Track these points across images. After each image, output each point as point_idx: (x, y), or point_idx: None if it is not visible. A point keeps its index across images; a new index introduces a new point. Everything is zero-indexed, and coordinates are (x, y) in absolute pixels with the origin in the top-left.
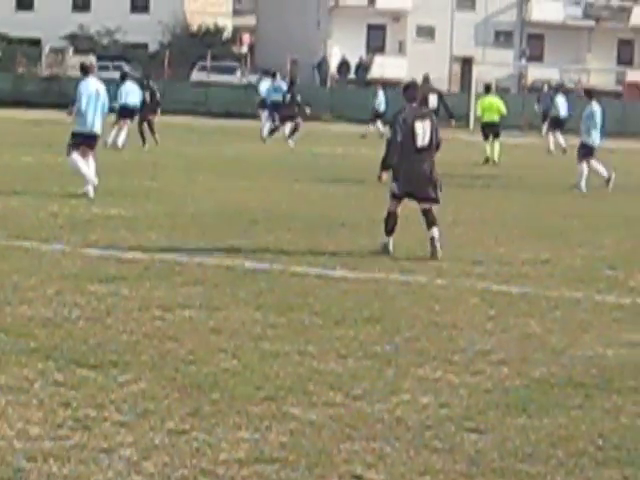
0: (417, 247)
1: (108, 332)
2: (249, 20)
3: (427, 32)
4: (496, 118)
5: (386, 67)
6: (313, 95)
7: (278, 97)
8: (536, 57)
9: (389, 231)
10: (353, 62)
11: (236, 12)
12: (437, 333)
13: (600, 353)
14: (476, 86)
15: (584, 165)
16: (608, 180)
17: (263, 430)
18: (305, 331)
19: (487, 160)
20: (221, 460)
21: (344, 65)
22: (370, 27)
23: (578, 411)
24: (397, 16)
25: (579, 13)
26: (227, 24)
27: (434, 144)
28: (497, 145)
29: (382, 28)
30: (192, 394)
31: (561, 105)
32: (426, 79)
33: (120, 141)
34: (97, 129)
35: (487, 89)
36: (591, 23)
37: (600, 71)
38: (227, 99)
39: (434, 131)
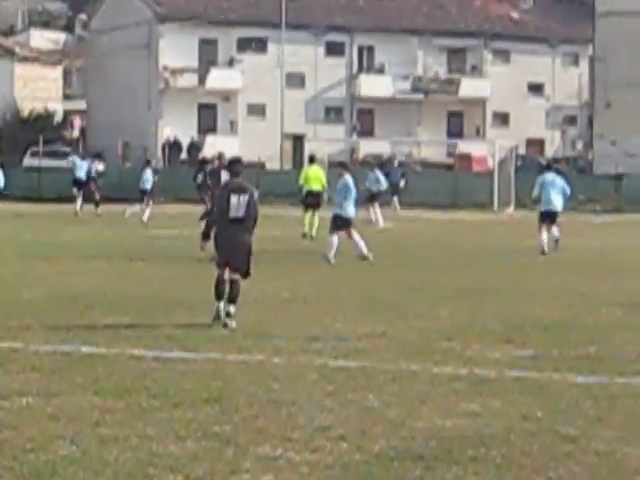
0: (255, 326)
1: None
2: (80, 104)
3: (258, 110)
4: (319, 188)
5: (218, 146)
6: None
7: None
8: (367, 132)
9: (218, 296)
10: (185, 142)
11: (66, 97)
12: (276, 411)
13: (439, 424)
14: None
15: (335, 237)
16: (364, 257)
17: None
18: (143, 414)
19: (304, 235)
20: None
21: (176, 146)
22: (201, 107)
23: None
24: (227, 95)
25: (408, 87)
26: (58, 109)
27: (250, 217)
28: (316, 220)
29: (213, 107)
30: None
31: (377, 179)
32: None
33: None
34: None
35: (311, 159)
36: (420, 96)
37: (431, 143)
38: (60, 184)
39: (251, 205)
